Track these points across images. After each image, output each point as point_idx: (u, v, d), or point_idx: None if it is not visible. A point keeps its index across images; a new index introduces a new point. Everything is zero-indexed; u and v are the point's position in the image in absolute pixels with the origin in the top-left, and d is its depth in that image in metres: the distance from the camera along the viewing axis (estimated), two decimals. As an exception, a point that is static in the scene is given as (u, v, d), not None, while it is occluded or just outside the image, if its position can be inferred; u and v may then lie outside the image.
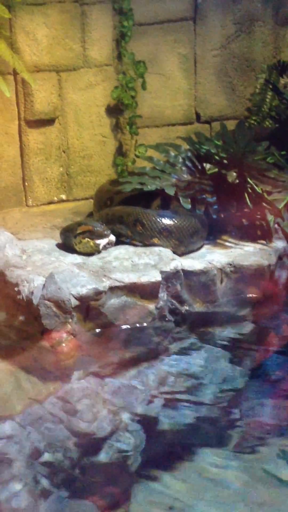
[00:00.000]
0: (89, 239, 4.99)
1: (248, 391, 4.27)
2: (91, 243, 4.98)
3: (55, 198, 6.38)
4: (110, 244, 5.04)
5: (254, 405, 4.14)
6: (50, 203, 6.37)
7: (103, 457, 3.62)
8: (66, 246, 5.15)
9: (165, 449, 3.77)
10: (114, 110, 6.43)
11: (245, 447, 3.76)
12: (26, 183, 6.27)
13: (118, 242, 5.12)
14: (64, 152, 6.34)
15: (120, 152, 6.54)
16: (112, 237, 5.06)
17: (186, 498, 3.40)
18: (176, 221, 5.08)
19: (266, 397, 4.24)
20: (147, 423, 3.88)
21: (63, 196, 6.41)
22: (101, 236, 5.00)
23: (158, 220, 5.06)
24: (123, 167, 6.50)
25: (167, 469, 3.58)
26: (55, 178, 6.34)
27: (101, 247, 4.99)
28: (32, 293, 4.52)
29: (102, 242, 5.00)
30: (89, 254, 5.01)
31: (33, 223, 5.94)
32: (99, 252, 5.00)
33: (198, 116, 6.82)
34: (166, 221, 5.06)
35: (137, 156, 6.42)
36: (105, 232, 5.01)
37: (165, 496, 3.41)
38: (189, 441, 3.86)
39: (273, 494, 3.41)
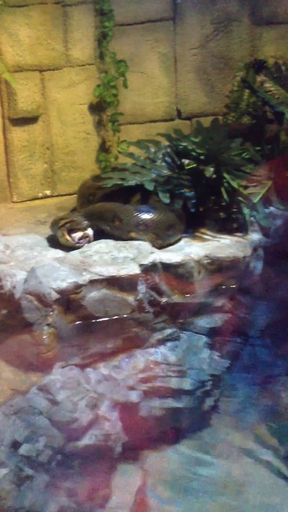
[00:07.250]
0: (65, 232, 5.10)
1: (226, 377, 4.37)
2: (66, 236, 5.10)
3: (40, 194, 6.45)
4: (85, 237, 5.11)
5: (231, 391, 4.27)
6: (34, 199, 6.42)
7: (84, 444, 3.71)
8: (55, 239, 5.26)
9: (145, 435, 3.87)
10: (97, 108, 6.49)
11: (222, 430, 3.87)
12: (11, 180, 6.34)
13: (103, 237, 5.16)
14: (48, 149, 6.41)
15: (103, 148, 6.58)
16: (89, 231, 5.14)
17: (166, 477, 3.52)
18: (152, 215, 5.13)
19: (243, 383, 4.34)
20: (128, 411, 3.97)
21: (48, 192, 6.48)
22: (78, 229, 5.10)
23: (135, 214, 5.12)
24: (106, 163, 6.54)
25: (147, 453, 3.69)
26: (40, 174, 6.40)
27: (76, 239, 5.08)
28: (14, 287, 4.59)
29: (76, 235, 5.09)
30: (69, 247, 5.10)
31: (17, 218, 6.01)
32: (74, 244, 5.08)
33: (179, 113, 6.85)
34: (142, 216, 5.12)
35: (120, 152, 6.45)
36: (80, 226, 5.11)
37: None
38: (169, 427, 3.96)
39: (251, 473, 3.53)
